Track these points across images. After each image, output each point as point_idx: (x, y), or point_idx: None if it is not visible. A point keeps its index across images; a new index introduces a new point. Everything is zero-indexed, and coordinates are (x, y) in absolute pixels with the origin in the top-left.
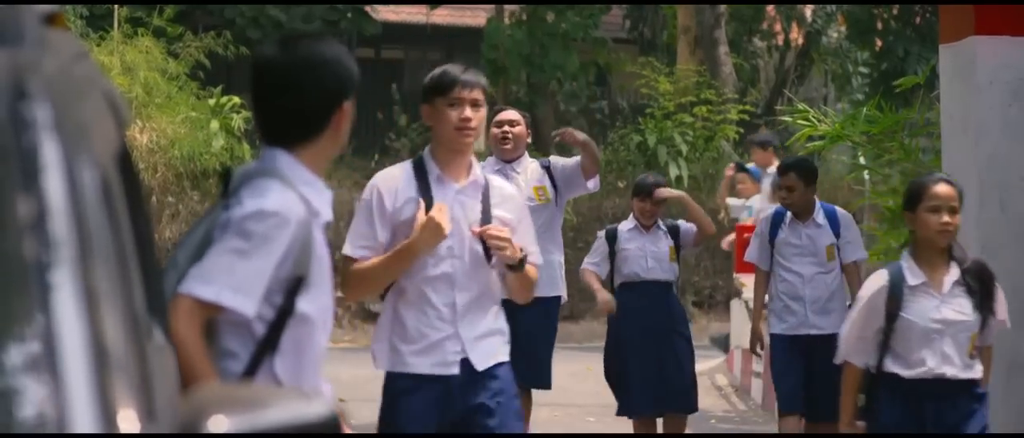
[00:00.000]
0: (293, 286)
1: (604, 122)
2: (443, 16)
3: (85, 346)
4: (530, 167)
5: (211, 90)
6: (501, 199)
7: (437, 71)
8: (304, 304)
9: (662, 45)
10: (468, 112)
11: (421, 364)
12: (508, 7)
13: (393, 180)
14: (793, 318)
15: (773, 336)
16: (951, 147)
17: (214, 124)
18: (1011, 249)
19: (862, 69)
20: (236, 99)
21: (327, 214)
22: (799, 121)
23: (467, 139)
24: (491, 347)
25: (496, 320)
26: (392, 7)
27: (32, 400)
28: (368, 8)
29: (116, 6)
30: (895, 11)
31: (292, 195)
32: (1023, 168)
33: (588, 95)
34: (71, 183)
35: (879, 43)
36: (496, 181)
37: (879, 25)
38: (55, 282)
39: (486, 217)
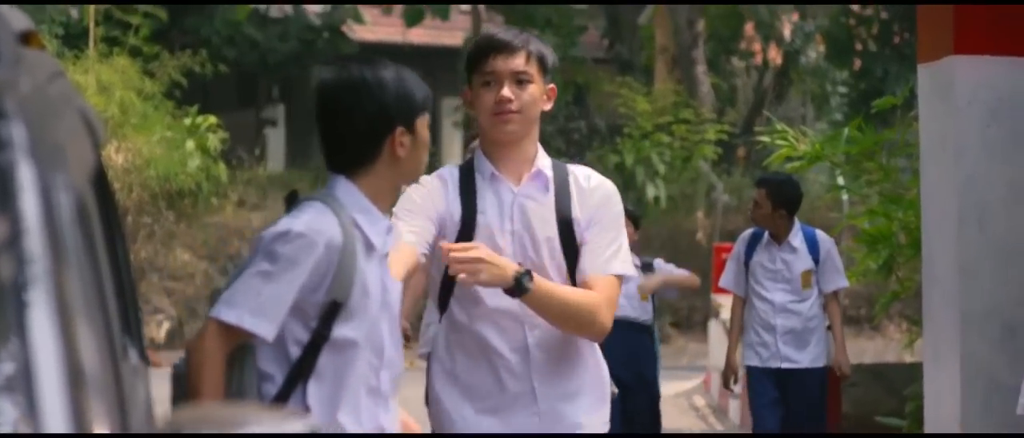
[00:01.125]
0: (329, 311)
1: (581, 142)
2: (420, 35)
3: (60, 366)
4: None
5: (187, 109)
6: (586, 192)
7: (474, 39)
8: (345, 331)
9: (640, 65)
10: (506, 90)
11: (489, 425)
12: (485, 28)
13: (432, 184)
14: (765, 350)
15: (749, 369)
16: (930, 167)
17: (190, 144)
18: (990, 270)
19: (841, 89)
20: (212, 118)
21: (380, 244)
22: (778, 141)
23: (507, 127)
24: (575, 413)
25: (588, 369)
26: (369, 27)
27: (6, 420)
28: (344, 28)
29: (92, 25)
30: (874, 31)
31: (331, 219)
32: (1002, 188)
33: (566, 114)
34: (46, 203)
35: (858, 63)
36: (579, 171)
37: (858, 45)
38: (30, 302)
39: (563, 219)
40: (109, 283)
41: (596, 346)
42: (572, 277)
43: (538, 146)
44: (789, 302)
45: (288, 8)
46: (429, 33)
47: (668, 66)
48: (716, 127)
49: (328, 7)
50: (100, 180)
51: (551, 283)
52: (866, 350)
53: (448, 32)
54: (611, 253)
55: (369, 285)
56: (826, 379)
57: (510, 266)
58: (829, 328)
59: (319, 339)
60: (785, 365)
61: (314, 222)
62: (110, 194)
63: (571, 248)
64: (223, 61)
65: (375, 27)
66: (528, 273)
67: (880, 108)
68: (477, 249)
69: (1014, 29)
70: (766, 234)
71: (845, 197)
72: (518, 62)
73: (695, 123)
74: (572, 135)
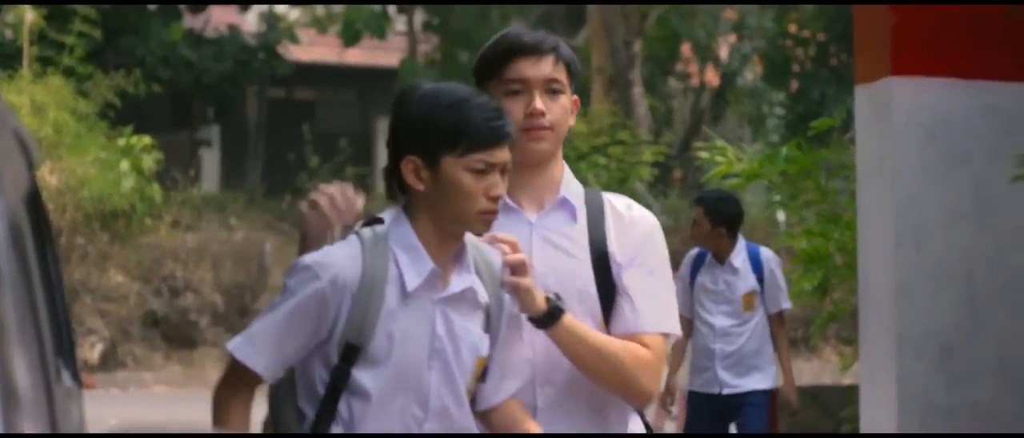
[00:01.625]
0: (345, 354)
1: None
2: (356, 56)
3: None
4: None
5: (121, 130)
6: (625, 224)
7: (493, 38)
8: (363, 378)
9: (577, 85)
10: (538, 101)
11: None
12: (421, 47)
13: None
14: (706, 374)
15: (689, 392)
16: (867, 189)
17: (124, 164)
18: (927, 292)
19: (777, 111)
20: (147, 139)
21: (415, 287)
22: (716, 157)
23: (539, 145)
24: None
25: None
26: (305, 47)
27: None
28: (280, 48)
29: (26, 45)
30: (811, 53)
31: (350, 254)
32: (939, 210)
33: None
34: None
35: (795, 85)
36: (618, 200)
37: (795, 67)
38: None
39: (598, 253)
40: (43, 304)
41: (636, 421)
42: (606, 325)
43: (565, 168)
44: (730, 326)
45: (223, 28)
46: (365, 54)
47: (604, 87)
48: (652, 149)
49: (264, 28)
50: (34, 201)
51: (586, 326)
52: (802, 372)
53: (384, 52)
54: (662, 305)
55: (398, 331)
56: (770, 402)
57: (537, 295)
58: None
59: (339, 383)
60: (726, 391)
61: (327, 256)
62: (44, 215)
63: (607, 292)
64: (158, 81)
65: (311, 47)
66: (558, 296)
67: (818, 129)
68: (525, 259)
69: (951, 50)
70: (709, 254)
71: (781, 218)
72: (547, 68)
73: (631, 145)
74: None
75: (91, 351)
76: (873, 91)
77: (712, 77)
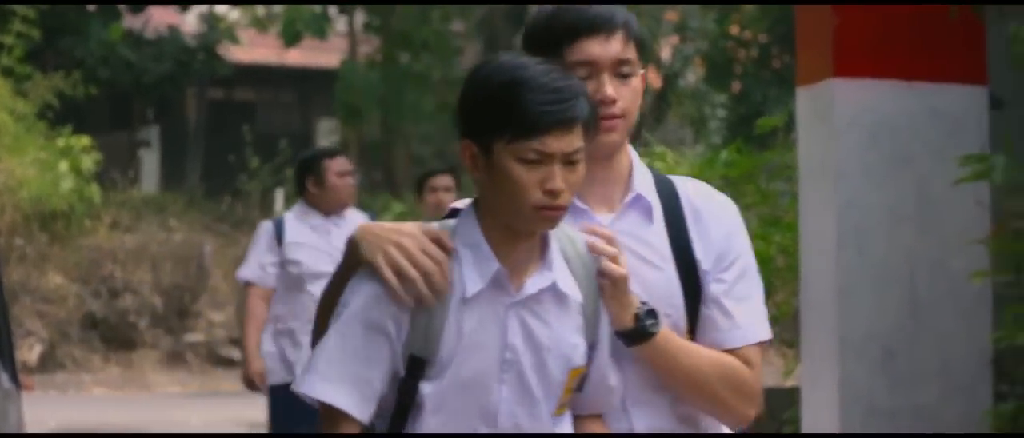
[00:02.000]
0: (411, 369)
1: (461, 166)
2: (296, 57)
3: None
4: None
5: (60, 130)
6: (705, 219)
7: (543, 13)
8: (427, 389)
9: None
10: (608, 87)
11: None
12: (362, 48)
13: None
14: None
15: None
16: (809, 191)
17: (63, 165)
18: (869, 294)
19: (719, 112)
20: (86, 140)
21: (476, 290)
22: (656, 163)
23: (609, 137)
24: None
25: None
26: (245, 48)
27: None
28: (220, 49)
29: None
30: (753, 54)
31: None
32: (881, 212)
33: (443, 137)
34: None
35: (737, 86)
36: (691, 187)
37: (737, 69)
38: None
39: (684, 260)
40: None
41: None
42: (691, 338)
43: (633, 156)
44: None
45: (163, 28)
46: (306, 54)
47: None
48: None
49: (204, 28)
50: None
51: (682, 339)
52: None
53: (325, 53)
54: (755, 311)
55: (461, 339)
56: None
57: (630, 297)
58: None
59: (406, 399)
60: None
61: None
62: None
63: (694, 301)
64: (97, 82)
65: (251, 48)
66: (653, 312)
67: (763, 129)
68: (614, 250)
69: (894, 52)
70: None
71: None
72: (618, 46)
73: None
74: (451, 159)
75: (30, 353)
76: (815, 93)
77: (654, 78)
